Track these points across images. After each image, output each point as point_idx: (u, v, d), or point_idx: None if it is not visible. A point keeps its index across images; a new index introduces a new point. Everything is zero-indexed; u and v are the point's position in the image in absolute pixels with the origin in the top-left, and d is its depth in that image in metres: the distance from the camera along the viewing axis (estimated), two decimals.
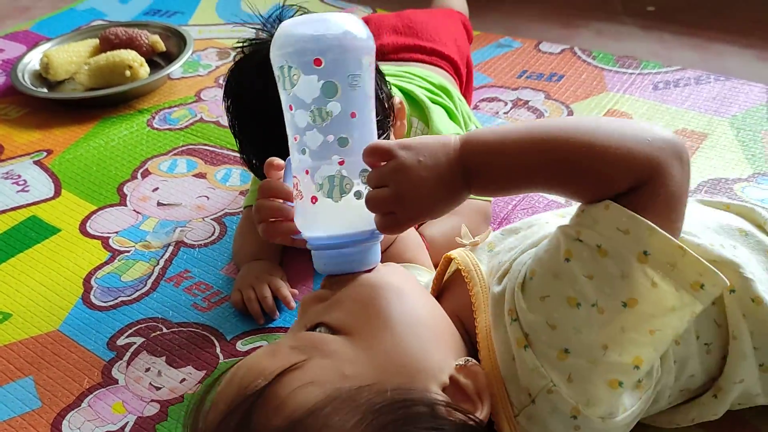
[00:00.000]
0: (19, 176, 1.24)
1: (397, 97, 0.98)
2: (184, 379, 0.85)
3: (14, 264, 1.05)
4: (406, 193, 0.58)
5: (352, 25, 0.62)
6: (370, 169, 0.61)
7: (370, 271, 0.64)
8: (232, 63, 0.93)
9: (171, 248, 1.06)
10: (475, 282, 0.65)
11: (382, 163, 0.59)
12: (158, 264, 1.03)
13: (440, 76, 1.20)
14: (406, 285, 0.64)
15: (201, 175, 1.22)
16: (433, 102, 1.07)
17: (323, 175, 0.62)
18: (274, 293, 0.93)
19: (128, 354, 0.89)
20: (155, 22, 1.67)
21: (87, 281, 1.01)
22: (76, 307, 0.97)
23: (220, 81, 1.53)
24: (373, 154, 0.60)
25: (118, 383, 0.85)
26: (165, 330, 0.92)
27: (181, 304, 0.96)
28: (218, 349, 0.89)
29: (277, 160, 0.70)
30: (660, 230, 0.55)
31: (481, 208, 1.03)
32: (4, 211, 1.16)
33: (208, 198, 1.17)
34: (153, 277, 1.01)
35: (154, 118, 1.40)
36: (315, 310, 0.62)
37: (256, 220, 0.69)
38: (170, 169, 1.24)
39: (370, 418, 0.52)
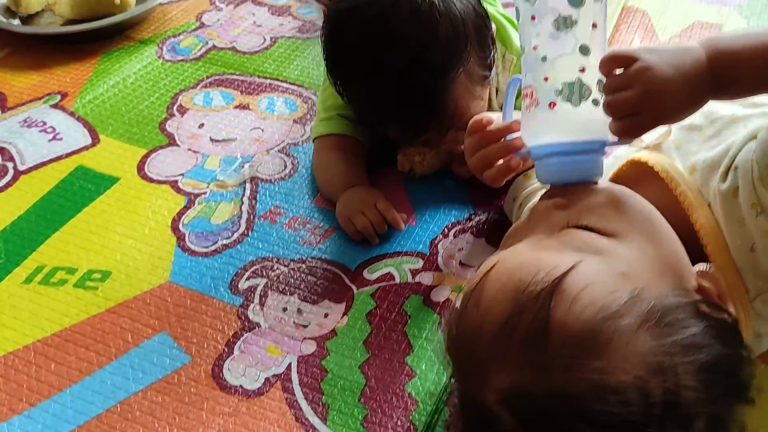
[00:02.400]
0: (44, 123, 1.13)
1: (493, 26, 0.97)
2: (326, 314, 0.85)
3: (85, 219, 0.98)
4: (653, 93, 0.59)
5: None
6: (604, 80, 0.62)
7: (596, 183, 0.66)
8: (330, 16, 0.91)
9: (248, 185, 1.02)
10: (678, 182, 0.68)
11: (620, 71, 0.61)
12: (242, 203, 1.00)
13: None
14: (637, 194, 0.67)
15: (243, 107, 1.17)
16: (501, 16, 1.06)
17: (564, 81, 0.63)
18: (384, 216, 0.93)
19: (257, 296, 0.87)
20: None
21: (175, 228, 0.96)
22: (177, 256, 0.92)
23: (217, 3, 1.44)
24: (614, 61, 0.61)
25: (260, 326, 0.83)
26: (284, 268, 0.90)
27: (288, 240, 0.94)
28: (347, 280, 0.89)
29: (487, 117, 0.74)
30: None
31: None
32: (44, 163, 1.07)
33: (262, 130, 1.12)
34: (244, 218, 0.98)
35: (161, 49, 1.30)
36: (562, 215, 0.62)
37: (478, 167, 0.73)
38: (207, 103, 1.18)
39: (654, 320, 0.53)
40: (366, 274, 0.90)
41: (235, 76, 1.24)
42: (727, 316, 0.58)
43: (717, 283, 0.61)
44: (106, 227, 0.97)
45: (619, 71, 0.61)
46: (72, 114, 1.15)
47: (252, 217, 0.98)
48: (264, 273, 0.90)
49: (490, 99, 1.02)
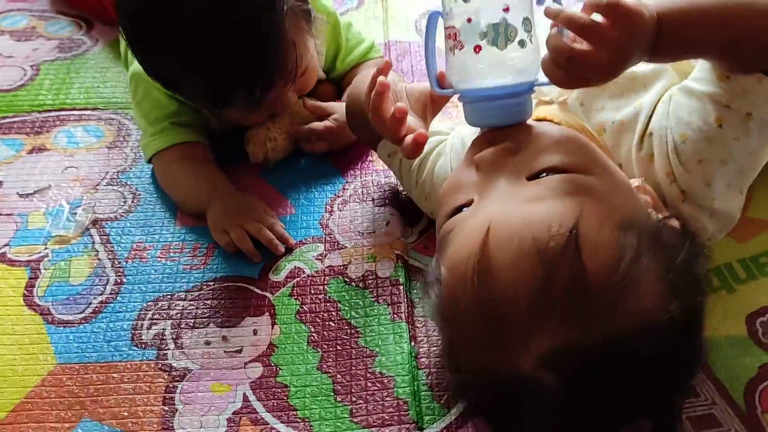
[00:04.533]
0: None
1: None
2: (255, 330, 0.77)
3: None
4: (613, 65, 0.59)
5: None
6: (530, 18, 0.62)
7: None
8: None
9: (93, 231, 0.89)
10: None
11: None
12: (97, 252, 0.86)
13: None
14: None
15: (39, 149, 1.00)
16: None
17: (488, 22, 0.61)
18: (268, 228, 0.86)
19: (169, 341, 0.76)
20: None
21: (32, 305, 0.80)
22: (52, 333, 0.77)
23: None
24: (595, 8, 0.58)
25: (191, 370, 0.74)
26: (182, 302, 0.80)
27: (170, 272, 0.84)
28: (257, 290, 0.82)
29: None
30: None
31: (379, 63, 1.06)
32: None
33: (76, 168, 0.98)
34: (108, 266, 0.85)
35: None
36: (520, 160, 0.61)
37: (392, 134, 0.68)
38: None
39: (653, 246, 0.56)
40: (272, 276, 0.83)
41: (10, 119, 1.06)
42: (673, 220, 0.63)
43: (651, 194, 0.66)
44: None
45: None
46: None
47: (116, 262, 0.85)
48: (164, 315, 0.79)
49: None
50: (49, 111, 1.07)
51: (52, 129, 1.04)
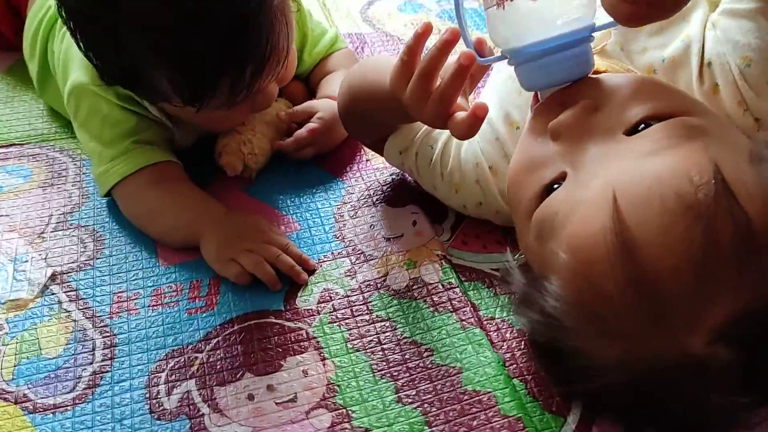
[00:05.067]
0: None
1: None
2: (305, 371, 0.62)
3: None
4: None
5: None
6: None
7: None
8: None
9: (55, 287, 0.70)
10: None
11: None
12: (68, 312, 0.67)
13: None
14: None
15: None
16: None
17: None
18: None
19: (202, 405, 0.60)
20: None
21: (1, 393, 0.60)
22: (38, 424, 0.58)
23: None
24: None
25: None
26: (200, 354, 0.64)
27: (174, 322, 0.67)
28: (290, 323, 0.67)
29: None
30: None
31: (348, 53, 0.95)
32: None
33: (8, 216, 0.77)
34: (90, 326, 0.66)
35: None
36: (605, 118, 0.53)
37: (434, 108, 0.57)
38: None
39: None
40: (302, 304, 0.69)
41: None
42: None
43: None
44: None
45: None
46: None
47: (98, 320, 0.67)
48: (183, 374, 0.63)
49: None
50: None
51: None
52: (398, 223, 0.77)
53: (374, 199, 0.81)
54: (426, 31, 0.60)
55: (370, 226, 0.77)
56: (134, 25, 0.64)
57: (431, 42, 0.59)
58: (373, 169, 0.85)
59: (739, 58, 0.62)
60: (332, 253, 0.74)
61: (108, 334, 0.66)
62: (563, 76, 0.57)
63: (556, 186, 0.54)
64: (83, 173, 0.83)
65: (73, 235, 0.76)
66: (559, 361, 0.55)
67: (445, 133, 0.75)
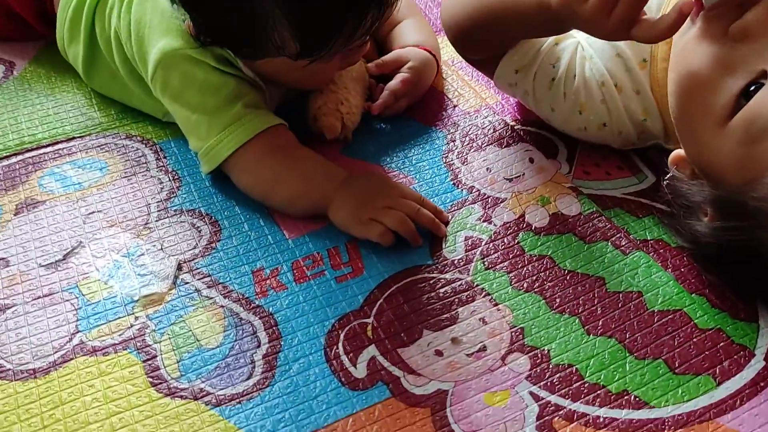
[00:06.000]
0: None
1: None
2: (483, 318, 0.60)
3: None
4: None
5: None
6: None
7: None
8: None
9: (188, 275, 0.65)
10: None
11: None
12: (211, 297, 0.62)
13: None
14: None
15: (29, 205, 0.71)
16: None
17: None
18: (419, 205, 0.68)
19: (392, 367, 0.57)
20: None
21: (175, 391, 0.55)
22: (232, 417, 0.54)
23: None
24: None
25: (445, 391, 0.55)
26: (369, 320, 0.60)
27: (328, 292, 0.63)
28: (445, 275, 0.64)
29: None
30: None
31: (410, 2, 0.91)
32: None
33: (102, 212, 0.71)
34: (242, 310, 0.62)
35: None
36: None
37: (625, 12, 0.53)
38: None
39: None
40: (450, 255, 0.66)
41: None
42: None
43: None
44: None
45: None
46: None
47: (246, 302, 0.63)
48: (359, 341, 0.59)
49: None
50: (9, 157, 0.78)
51: (29, 177, 0.75)
52: (515, 163, 0.75)
53: (479, 142, 0.78)
54: None
55: (487, 170, 0.75)
56: None
57: None
58: (465, 114, 0.82)
59: None
60: (458, 202, 0.72)
61: (265, 315, 0.62)
62: None
63: (752, 88, 0.53)
64: (165, 157, 0.77)
65: (182, 221, 0.70)
66: (753, 263, 0.55)
67: (568, 51, 0.72)
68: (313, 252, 0.67)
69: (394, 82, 0.80)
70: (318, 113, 0.77)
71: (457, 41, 0.75)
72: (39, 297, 0.63)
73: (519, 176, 0.74)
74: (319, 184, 0.69)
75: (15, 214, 0.72)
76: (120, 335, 0.60)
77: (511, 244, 0.67)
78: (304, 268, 0.66)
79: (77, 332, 0.60)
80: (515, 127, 0.79)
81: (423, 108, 0.83)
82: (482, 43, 0.73)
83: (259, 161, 0.70)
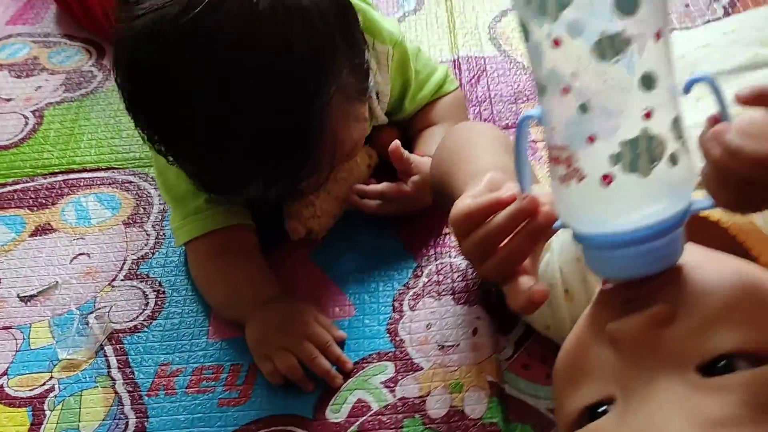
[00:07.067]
0: None
1: None
2: None
3: None
4: None
5: None
6: (679, 116, 0.40)
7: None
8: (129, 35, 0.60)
9: (108, 349, 0.72)
10: (756, 246, 0.51)
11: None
12: (114, 380, 0.70)
13: None
14: (726, 260, 0.47)
15: (45, 229, 0.83)
16: None
17: (620, 140, 0.39)
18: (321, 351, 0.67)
19: None
20: None
21: None
22: None
23: None
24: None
25: None
26: None
27: (205, 412, 0.66)
28: None
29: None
30: None
31: (457, 98, 0.85)
32: None
33: (88, 255, 0.81)
34: (128, 403, 0.68)
35: None
36: (678, 336, 0.41)
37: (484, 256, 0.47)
38: None
39: None
40: (331, 415, 0.65)
41: (11, 188, 0.89)
42: None
43: None
44: None
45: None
46: None
47: (137, 396, 0.68)
48: None
49: (371, 109, 0.78)
50: (56, 174, 0.90)
51: (59, 200, 0.86)
52: (457, 328, 0.69)
53: (441, 287, 0.73)
54: (508, 202, 0.50)
55: (427, 326, 0.70)
56: (166, 126, 0.62)
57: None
58: (449, 247, 0.76)
59: None
60: (379, 353, 0.69)
61: (141, 416, 0.67)
62: (636, 271, 0.43)
63: (600, 409, 0.44)
64: (164, 210, 0.83)
65: (140, 288, 0.77)
66: None
67: None
68: (220, 362, 0.70)
69: (390, 187, 0.76)
70: (286, 214, 0.76)
71: (435, 200, 0.72)
72: (3, 329, 0.75)
73: (453, 346, 0.68)
74: (242, 300, 0.71)
75: (30, 236, 0.83)
76: (31, 390, 0.70)
77: (393, 425, 0.64)
78: (203, 377, 0.69)
79: (4, 374, 0.71)
80: (484, 284, 0.72)
81: (412, 224, 0.78)
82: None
83: (201, 259, 0.74)
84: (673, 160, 0.40)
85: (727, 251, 0.50)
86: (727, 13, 0.96)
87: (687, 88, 0.41)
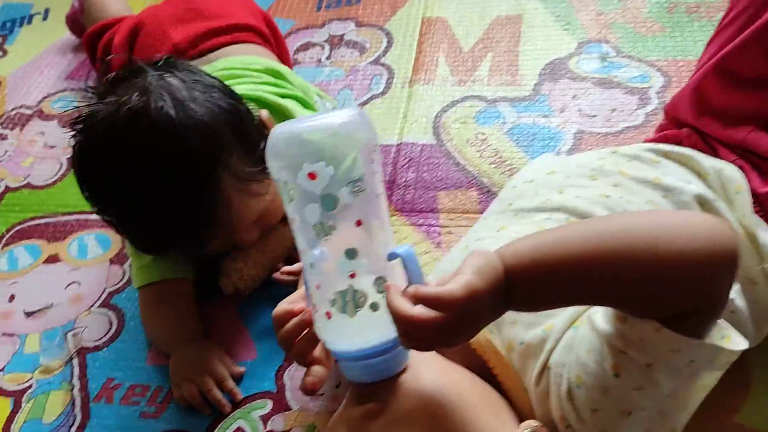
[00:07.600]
0: None
1: (262, 111, 0.91)
2: None
3: None
4: (459, 331, 0.54)
5: (346, 127, 0.59)
6: (384, 276, 0.58)
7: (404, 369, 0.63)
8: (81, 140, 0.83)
9: (75, 361, 0.95)
10: (498, 369, 0.66)
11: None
12: (72, 386, 0.92)
13: (258, 56, 1.12)
14: (448, 373, 0.64)
15: (53, 259, 1.08)
16: (283, 98, 0.99)
17: (334, 290, 0.59)
18: (218, 384, 0.87)
19: None
20: None
21: None
22: None
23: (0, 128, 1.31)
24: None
25: None
26: None
27: (130, 421, 0.88)
28: None
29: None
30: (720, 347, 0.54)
31: None
32: None
33: (78, 284, 1.04)
34: (79, 404, 0.91)
35: None
36: (379, 427, 0.60)
37: (286, 349, 0.68)
38: (12, 266, 1.08)
39: None
40: None
41: (37, 221, 1.14)
42: None
43: None
44: None
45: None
46: None
47: (87, 400, 0.91)
48: None
49: None
50: (72, 213, 1.14)
51: (69, 236, 1.11)
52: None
53: None
54: (297, 313, 0.67)
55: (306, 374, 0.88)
56: (107, 207, 0.85)
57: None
58: None
59: (574, 376, 0.60)
60: (262, 392, 0.87)
61: (85, 417, 0.89)
62: (362, 378, 0.63)
63: None
64: None
65: (108, 315, 0.99)
66: None
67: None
68: (148, 383, 0.91)
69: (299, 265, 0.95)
70: (221, 272, 0.96)
71: None
72: (4, 334, 0.99)
73: (319, 395, 0.86)
74: (170, 338, 0.92)
75: (44, 262, 1.08)
76: (18, 385, 0.94)
77: None
78: (134, 393, 0.90)
79: (1, 370, 0.95)
80: None
81: None
82: None
83: (145, 303, 0.95)
84: (374, 307, 0.58)
85: (477, 367, 0.66)
86: (648, 120, 1.07)
87: (390, 258, 0.58)
